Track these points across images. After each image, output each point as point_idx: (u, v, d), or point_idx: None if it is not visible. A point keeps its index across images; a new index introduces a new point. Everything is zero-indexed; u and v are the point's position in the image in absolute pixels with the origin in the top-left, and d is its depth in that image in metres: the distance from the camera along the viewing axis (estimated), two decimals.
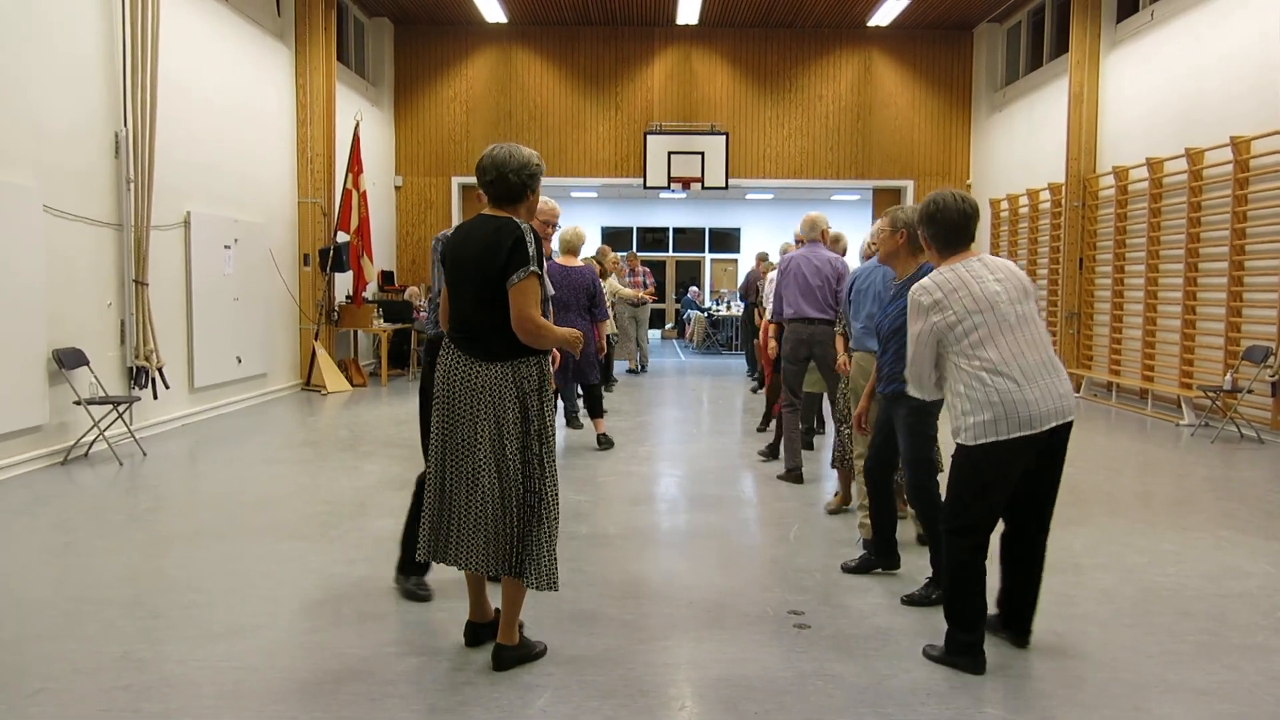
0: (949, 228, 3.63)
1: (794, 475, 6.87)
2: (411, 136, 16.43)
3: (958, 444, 3.58)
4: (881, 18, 15.32)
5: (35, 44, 7.38)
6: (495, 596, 3.86)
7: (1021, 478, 3.61)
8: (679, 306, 23.88)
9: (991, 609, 3.84)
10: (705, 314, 20.23)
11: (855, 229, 19.89)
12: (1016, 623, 3.84)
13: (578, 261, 8.12)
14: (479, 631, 3.78)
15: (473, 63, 16.35)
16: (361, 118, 13.47)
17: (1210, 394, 9.45)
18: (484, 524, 3.50)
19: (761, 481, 7.03)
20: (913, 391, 3.76)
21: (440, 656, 3.71)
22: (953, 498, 3.63)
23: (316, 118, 12.39)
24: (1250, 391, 9.07)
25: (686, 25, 16.04)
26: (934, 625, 4.07)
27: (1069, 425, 3.57)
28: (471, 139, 16.36)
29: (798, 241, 7.36)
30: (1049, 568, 4.84)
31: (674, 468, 7.60)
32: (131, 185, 8.41)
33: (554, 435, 3.60)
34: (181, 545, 5.25)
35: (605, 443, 8.22)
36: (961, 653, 3.61)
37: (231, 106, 10.64)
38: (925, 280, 3.60)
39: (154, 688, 3.42)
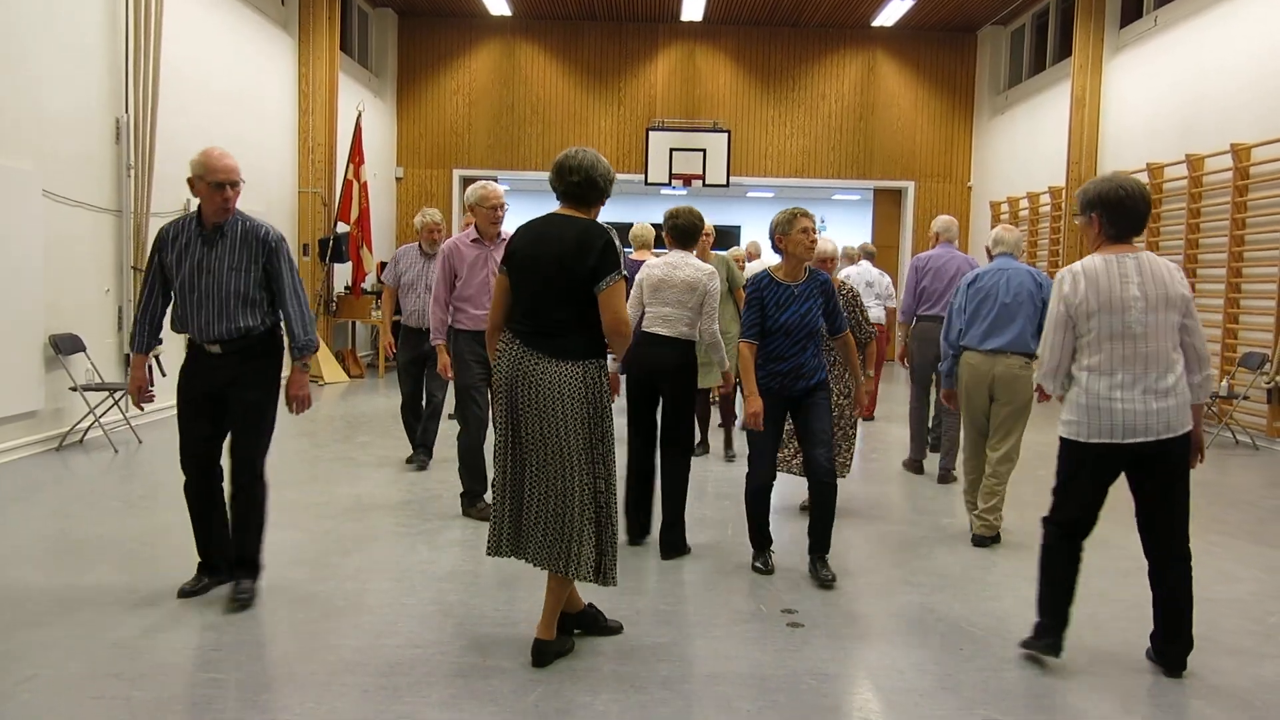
0: (1131, 217, 3.52)
1: (914, 466, 7.39)
2: (413, 128, 16.41)
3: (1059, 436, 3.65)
4: (886, 18, 15.30)
5: (38, 28, 7.36)
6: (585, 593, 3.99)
7: (1139, 500, 3.62)
8: None
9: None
10: None
11: (856, 229, 19.93)
12: (1164, 653, 3.67)
13: (650, 256, 7.94)
14: (566, 622, 3.77)
15: (476, 55, 16.32)
16: (363, 108, 13.45)
17: (1206, 399, 9.46)
18: (547, 520, 3.54)
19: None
20: (1042, 380, 3.65)
21: (433, 649, 3.72)
22: (1055, 486, 3.72)
23: (318, 107, 12.37)
24: (1246, 398, 9.09)
25: (691, 22, 16.02)
26: (926, 624, 4.09)
27: (1170, 444, 3.49)
28: (473, 132, 16.34)
29: (938, 239, 7.56)
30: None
31: None
32: (132, 171, 8.40)
33: (613, 434, 3.62)
34: (175, 533, 5.24)
35: None
36: (1036, 635, 3.68)
37: (233, 94, 10.62)
38: (1074, 264, 3.56)
39: (146, 675, 3.42)
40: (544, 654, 3.58)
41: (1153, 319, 3.46)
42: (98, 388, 7.64)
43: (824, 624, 4.09)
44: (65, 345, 7.52)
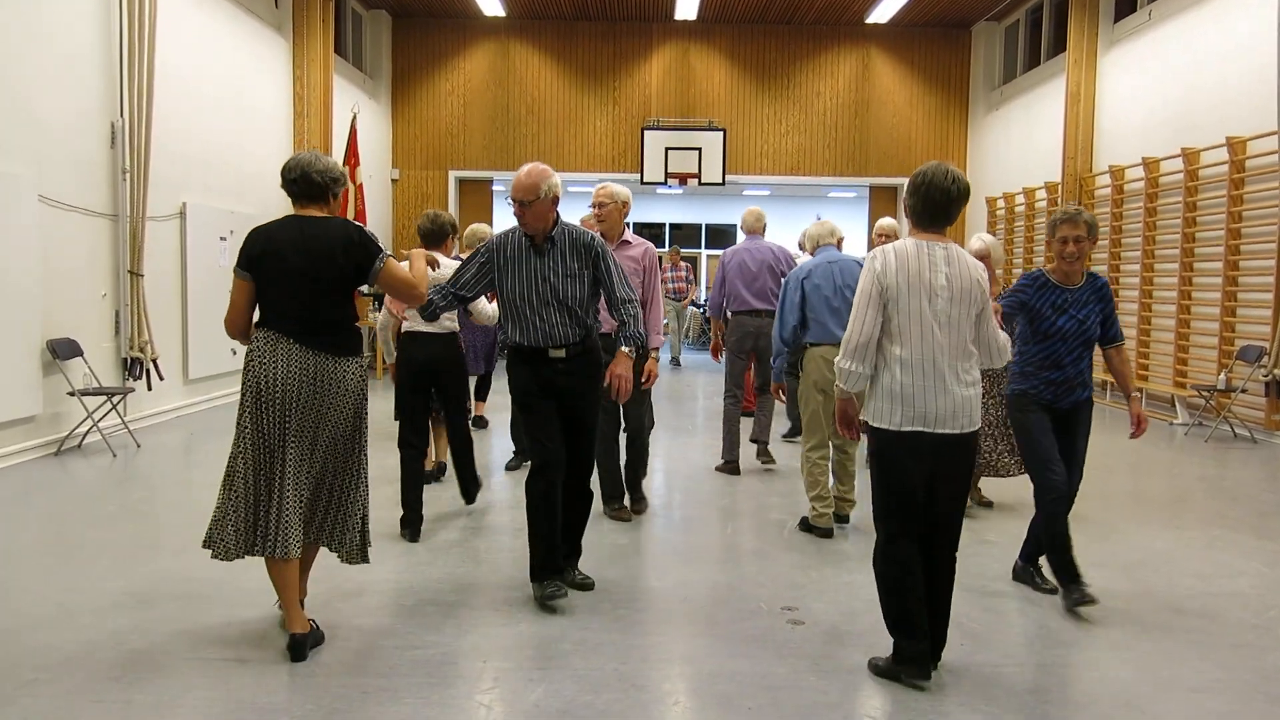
0: (931, 205, 3.51)
1: (731, 467, 7.07)
2: (408, 130, 16.39)
3: (869, 425, 3.54)
4: (880, 15, 15.30)
5: (32, 33, 7.35)
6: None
7: (928, 494, 3.50)
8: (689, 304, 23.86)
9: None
10: (701, 310, 20.21)
11: (852, 226, 19.97)
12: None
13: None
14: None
15: (470, 56, 16.31)
16: (358, 110, 13.44)
17: (1204, 393, 9.47)
18: (312, 507, 3.72)
19: (755, 477, 7.03)
20: (843, 364, 3.49)
21: (432, 649, 3.72)
22: (875, 484, 3.57)
23: (313, 110, 12.35)
24: (1244, 391, 9.10)
25: (685, 21, 16.01)
26: None
27: (967, 438, 3.48)
28: (469, 132, 16.33)
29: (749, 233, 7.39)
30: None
31: (668, 463, 7.60)
32: (127, 176, 8.38)
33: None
34: (174, 537, 5.24)
35: (480, 424, 8.66)
36: (899, 659, 3.49)
37: (228, 98, 10.61)
38: (886, 246, 3.54)
39: (146, 679, 3.41)
40: (303, 647, 3.58)
41: (956, 310, 3.44)
42: (95, 392, 7.63)
43: (824, 621, 4.09)
44: (63, 350, 7.50)
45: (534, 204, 4.13)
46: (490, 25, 16.09)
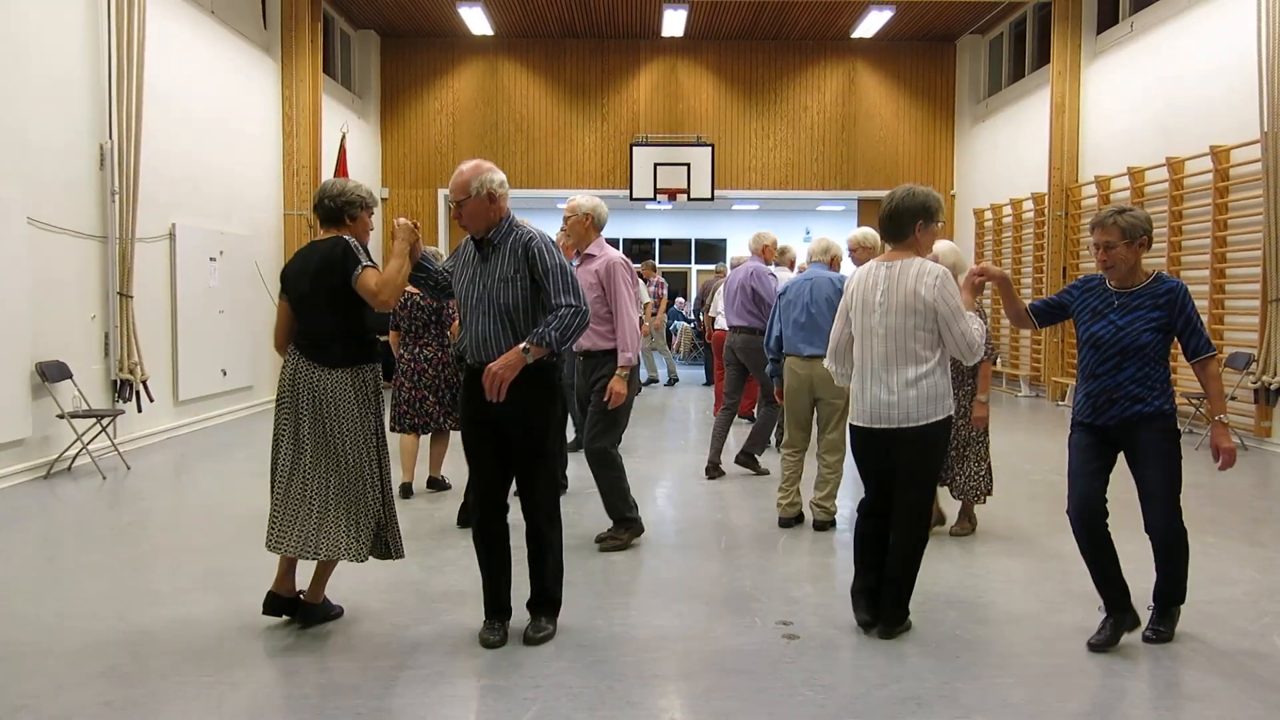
0: (883, 222, 4.04)
1: (714, 453, 7.50)
2: (397, 149, 16.41)
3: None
4: (865, 30, 15.38)
5: (20, 55, 7.35)
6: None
7: (894, 480, 4.00)
8: (665, 316, 23.88)
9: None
10: (691, 325, 20.23)
11: (840, 239, 20.10)
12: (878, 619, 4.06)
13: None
14: (278, 603, 4.08)
15: (459, 75, 16.36)
16: (347, 130, 13.45)
17: (1194, 401, 9.51)
18: (323, 513, 3.91)
19: (749, 492, 7.03)
20: (827, 365, 4.27)
21: (425, 668, 3.70)
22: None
23: (302, 130, 12.36)
24: (1233, 398, 9.13)
25: (672, 38, 16.08)
26: (921, 633, 4.08)
27: (905, 433, 3.89)
28: (458, 151, 16.34)
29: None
30: (1041, 571, 4.86)
31: (660, 478, 7.59)
32: (116, 197, 8.37)
33: (385, 430, 4.09)
34: (166, 559, 5.22)
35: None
36: (854, 606, 4.19)
37: (217, 119, 10.61)
38: (855, 270, 4.10)
39: (138, 704, 3.39)
40: (310, 616, 4.09)
41: (893, 321, 3.90)
42: (85, 414, 7.59)
43: (819, 635, 4.08)
44: (52, 372, 7.47)
45: (466, 202, 3.83)
46: (478, 44, 16.14)
